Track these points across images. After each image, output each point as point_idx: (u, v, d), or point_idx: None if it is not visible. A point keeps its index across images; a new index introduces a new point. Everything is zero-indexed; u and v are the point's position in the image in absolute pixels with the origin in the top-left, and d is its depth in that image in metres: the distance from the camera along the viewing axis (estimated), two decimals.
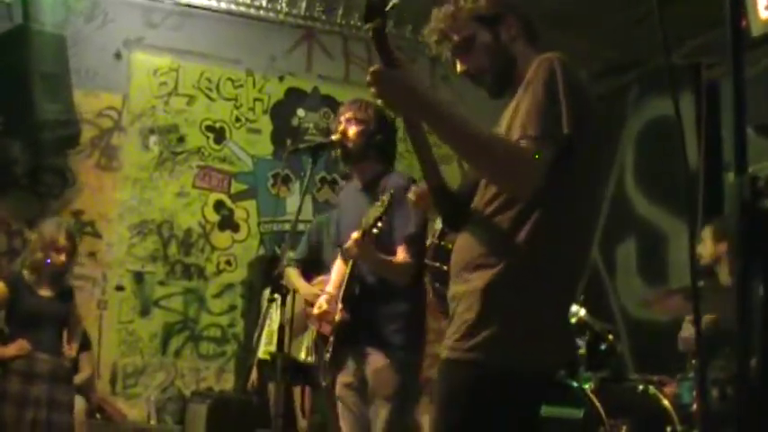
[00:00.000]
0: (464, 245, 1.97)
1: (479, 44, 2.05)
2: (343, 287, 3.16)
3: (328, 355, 3.19)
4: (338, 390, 3.22)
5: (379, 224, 2.90)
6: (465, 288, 1.91)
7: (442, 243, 2.10)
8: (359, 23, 6.77)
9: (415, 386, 3.22)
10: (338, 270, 3.37)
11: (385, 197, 2.92)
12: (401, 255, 3.09)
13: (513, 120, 1.90)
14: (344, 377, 3.19)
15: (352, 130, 3.22)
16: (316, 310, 3.29)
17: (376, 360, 3.06)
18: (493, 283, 1.86)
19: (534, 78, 1.87)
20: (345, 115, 3.28)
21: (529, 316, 1.85)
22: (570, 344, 2.15)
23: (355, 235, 2.97)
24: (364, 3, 1.86)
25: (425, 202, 2.22)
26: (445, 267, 2.02)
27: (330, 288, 3.34)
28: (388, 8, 1.84)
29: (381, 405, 3.04)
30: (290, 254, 4.48)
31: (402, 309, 3.11)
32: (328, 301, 3.22)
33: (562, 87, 1.83)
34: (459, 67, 2.10)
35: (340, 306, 3.14)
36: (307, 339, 4.68)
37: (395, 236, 3.12)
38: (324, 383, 3.29)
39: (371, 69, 1.87)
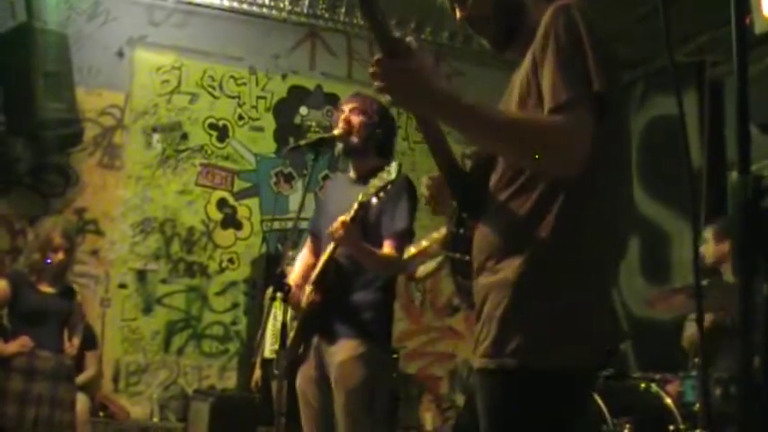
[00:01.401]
0: (487, 231, 1.76)
1: (480, 14, 1.84)
2: (318, 269, 3.05)
3: (289, 340, 3.06)
4: (299, 383, 3.11)
5: (381, 194, 2.77)
6: (493, 279, 1.71)
7: (461, 231, 1.87)
8: (362, 22, 6.77)
9: (386, 381, 3.11)
10: (303, 259, 3.29)
11: (392, 167, 2.78)
12: (387, 249, 3.02)
13: (525, 81, 1.72)
14: (307, 369, 3.08)
15: (357, 120, 3.14)
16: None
17: (346, 349, 2.95)
18: (523, 274, 1.66)
19: (551, 31, 1.65)
20: (348, 106, 3.19)
21: (566, 307, 1.65)
22: (608, 336, 1.82)
23: (342, 217, 2.88)
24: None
25: (440, 193, 1.97)
26: (467, 258, 1.82)
27: (294, 276, 3.23)
28: None
29: (345, 394, 2.92)
30: (292, 252, 4.48)
31: (375, 297, 3.02)
32: (297, 288, 3.10)
33: (586, 37, 1.62)
34: (458, 14, 1.87)
35: (309, 288, 3.05)
36: None
37: (382, 228, 3.04)
38: (276, 371, 3.13)
39: (375, 59, 1.62)
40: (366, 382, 2.93)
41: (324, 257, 3.05)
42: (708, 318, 3.93)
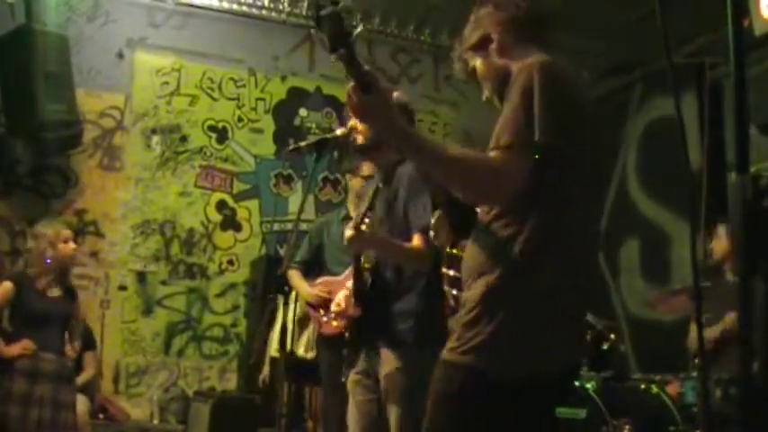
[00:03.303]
0: (470, 253, 1.99)
1: (479, 72, 2.13)
2: (352, 281, 3.11)
3: (345, 352, 3.14)
4: (349, 385, 3.16)
5: (366, 220, 2.88)
6: (469, 294, 1.93)
7: (455, 251, 2.13)
8: (362, 23, 6.77)
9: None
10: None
11: (369, 191, 2.88)
12: (417, 241, 2.99)
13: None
14: (355, 374, 3.13)
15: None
16: (334, 308, 3.23)
17: (388, 361, 2.98)
18: (490, 289, 1.87)
19: (512, 86, 1.88)
20: None
21: (524, 322, 1.84)
22: (571, 351, 2.03)
23: (348, 232, 2.95)
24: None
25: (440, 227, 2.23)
26: (458, 275, 2.05)
27: (350, 284, 3.28)
28: (353, 36, 1.87)
29: (393, 407, 2.96)
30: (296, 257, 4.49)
31: (415, 305, 3.00)
32: (346, 298, 3.17)
33: (538, 95, 1.82)
34: (484, 96, 2.18)
35: (352, 301, 3.09)
36: (306, 335, 4.70)
37: (410, 224, 3.02)
38: (343, 379, 3.23)
39: (350, 88, 1.90)
40: (408, 394, 2.92)
41: (353, 268, 3.11)
42: (728, 322, 3.93)
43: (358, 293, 3.08)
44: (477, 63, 2.13)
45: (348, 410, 3.18)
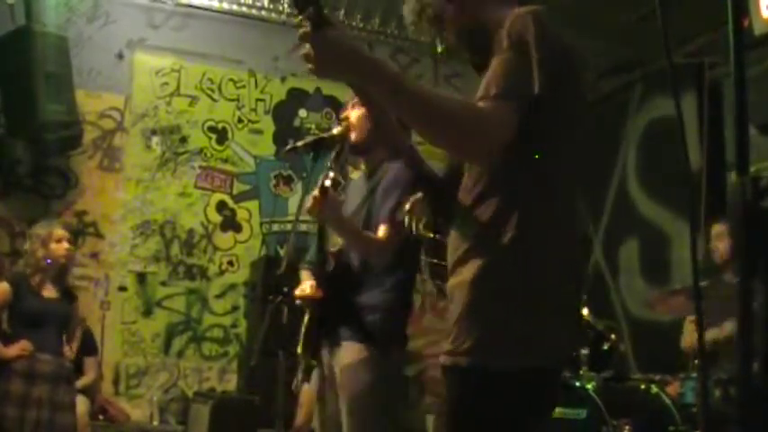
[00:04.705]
0: (455, 238, 1.81)
1: (447, 19, 1.93)
2: (315, 262, 2.98)
3: (302, 341, 2.97)
4: (317, 384, 3.00)
5: (332, 174, 2.72)
6: (457, 280, 1.77)
7: (438, 238, 1.96)
8: (361, 24, 6.77)
9: (393, 385, 2.93)
10: None
11: (335, 130, 2.80)
12: (381, 232, 2.84)
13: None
14: (320, 371, 2.98)
15: (355, 115, 2.93)
16: (298, 293, 3.04)
17: (348, 353, 2.83)
18: (479, 276, 1.70)
19: (504, 37, 1.68)
20: (351, 101, 2.97)
21: (521, 310, 1.68)
22: (568, 339, 1.87)
23: (315, 192, 2.77)
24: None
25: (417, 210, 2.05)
26: (444, 263, 1.86)
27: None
28: None
29: (346, 400, 2.81)
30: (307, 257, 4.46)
31: (383, 298, 2.86)
32: (312, 286, 2.98)
33: (534, 42, 1.64)
34: (439, 47, 2.00)
35: (313, 282, 2.94)
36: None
37: (379, 214, 2.89)
38: (293, 389, 3.08)
39: (302, 32, 1.59)
40: (369, 389, 2.79)
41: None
42: (728, 327, 3.88)
43: (318, 275, 2.94)
44: (448, 37, 1.96)
45: (317, 412, 3.03)
